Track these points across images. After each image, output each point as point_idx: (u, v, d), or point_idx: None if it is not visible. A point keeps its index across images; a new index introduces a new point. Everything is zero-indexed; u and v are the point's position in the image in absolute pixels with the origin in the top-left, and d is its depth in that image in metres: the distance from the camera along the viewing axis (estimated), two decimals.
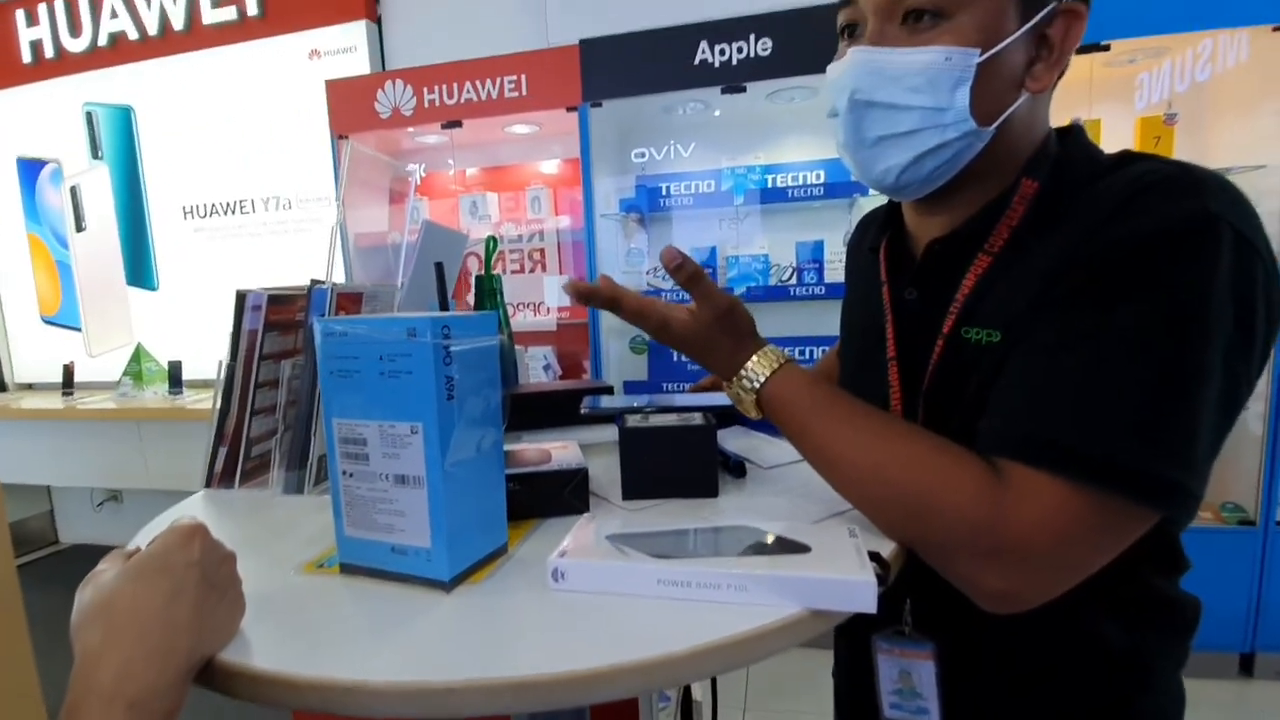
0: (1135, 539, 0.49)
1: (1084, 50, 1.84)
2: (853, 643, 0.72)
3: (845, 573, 0.45)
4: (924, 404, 0.60)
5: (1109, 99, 2.07)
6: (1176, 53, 1.96)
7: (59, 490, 3.75)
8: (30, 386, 3.69)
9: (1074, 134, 0.60)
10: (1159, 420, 0.45)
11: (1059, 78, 0.58)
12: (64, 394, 3.27)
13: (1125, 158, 0.54)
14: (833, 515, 0.60)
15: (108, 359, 3.44)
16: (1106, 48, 1.84)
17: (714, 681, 0.90)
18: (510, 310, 1.71)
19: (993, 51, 0.53)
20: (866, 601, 0.45)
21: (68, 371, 3.31)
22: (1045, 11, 0.54)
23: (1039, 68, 0.55)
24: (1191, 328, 0.45)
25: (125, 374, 3.15)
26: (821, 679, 0.85)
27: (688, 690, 1.14)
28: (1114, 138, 2.01)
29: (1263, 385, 1.86)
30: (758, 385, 0.60)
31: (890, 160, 0.58)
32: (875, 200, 2.29)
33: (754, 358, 0.61)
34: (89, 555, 3.57)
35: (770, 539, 0.52)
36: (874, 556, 0.48)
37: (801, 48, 2.12)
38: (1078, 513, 0.46)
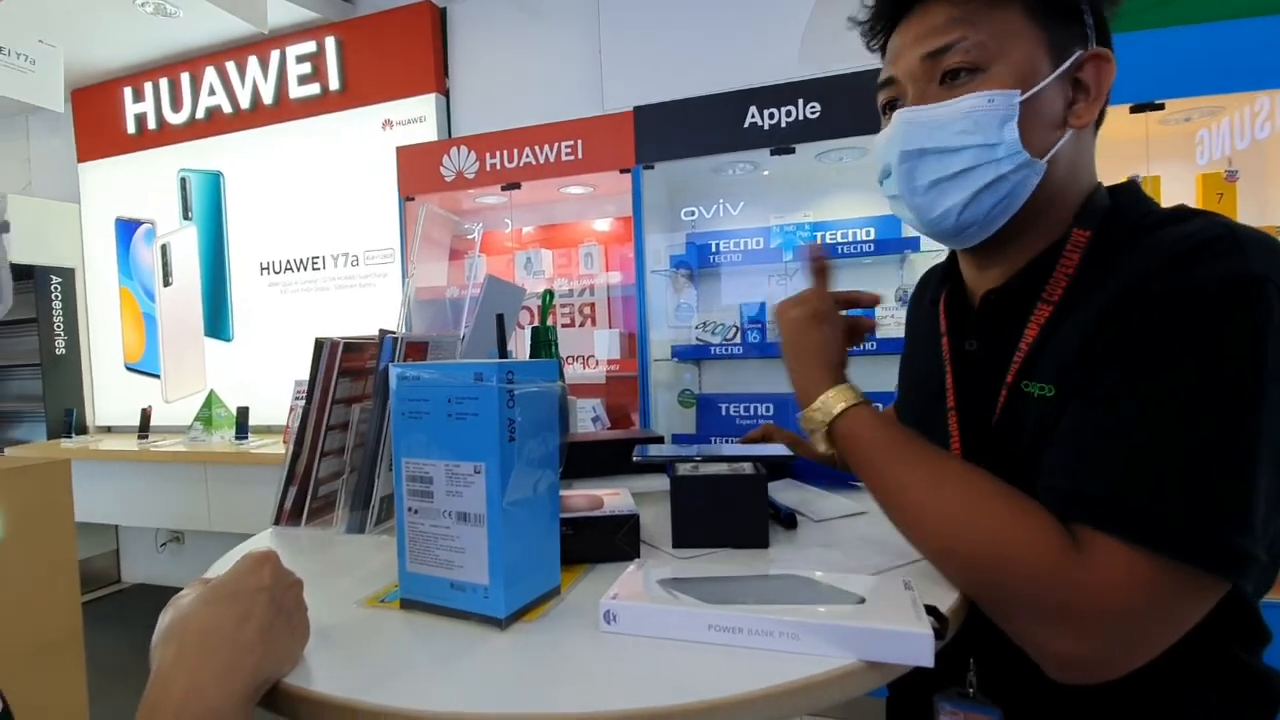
0: (1207, 609, 0.47)
1: (1138, 109, 1.84)
2: (909, 700, 0.70)
3: (901, 624, 0.45)
4: (990, 455, 0.59)
5: (1168, 156, 2.05)
6: (1234, 111, 1.93)
7: (125, 530, 3.92)
8: (109, 429, 3.92)
9: (1128, 187, 0.61)
10: (1219, 485, 0.44)
11: (1100, 120, 0.60)
12: (140, 437, 3.45)
13: (1179, 213, 0.55)
14: (888, 568, 0.59)
15: (182, 405, 3.64)
16: (1161, 106, 1.83)
17: None
18: (562, 362, 1.75)
19: (1032, 91, 0.56)
20: (923, 655, 0.44)
21: (145, 416, 3.50)
22: (1075, 58, 0.57)
23: (1079, 106, 0.59)
24: (1243, 388, 0.45)
25: (196, 419, 3.32)
26: None
27: None
28: (1175, 195, 1.97)
29: None
30: (832, 415, 0.60)
31: (948, 201, 0.59)
32: (927, 256, 2.28)
33: (832, 390, 0.61)
34: (150, 595, 3.70)
35: (823, 589, 0.52)
36: (931, 610, 0.47)
37: (850, 110, 2.17)
38: (1146, 579, 0.45)
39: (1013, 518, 0.50)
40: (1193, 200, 1.91)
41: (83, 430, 3.79)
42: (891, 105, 0.63)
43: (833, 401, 0.61)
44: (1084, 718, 0.56)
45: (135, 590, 3.84)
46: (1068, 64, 0.57)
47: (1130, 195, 0.60)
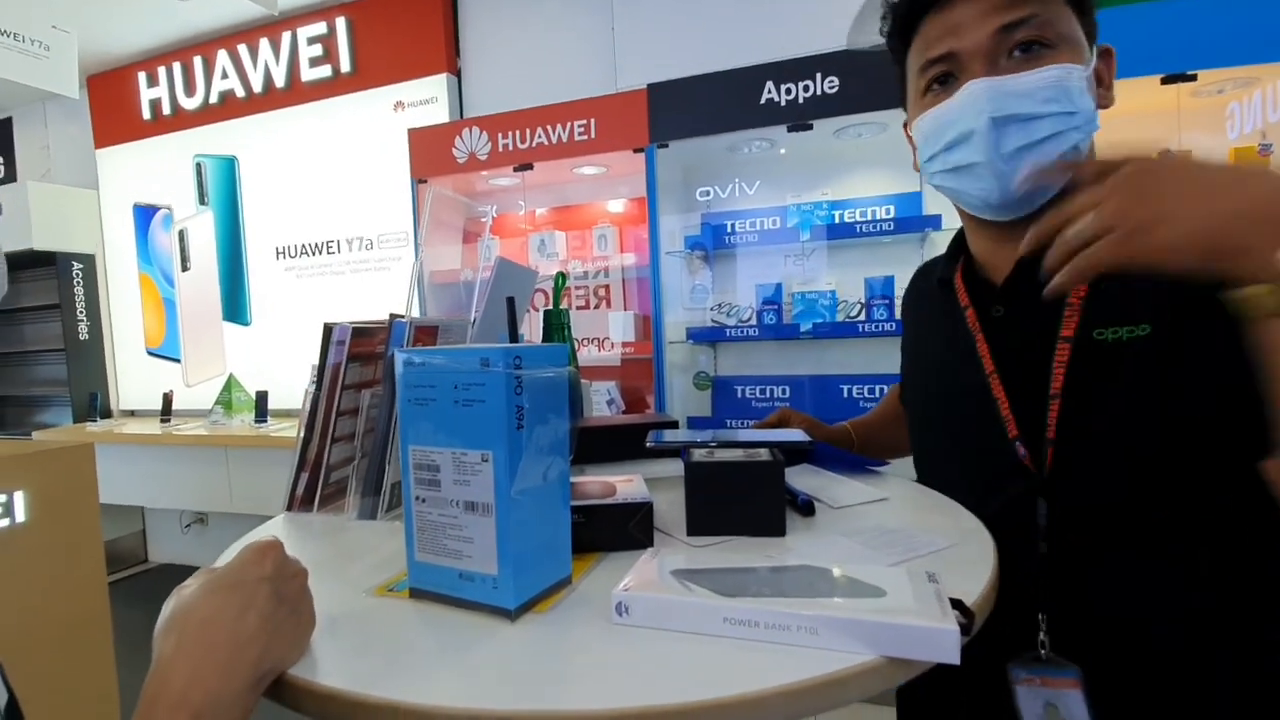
0: None
1: (1170, 80, 1.77)
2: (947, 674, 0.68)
3: (925, 620, 0.43)
4: (1060, 405, 0.60)
5: (1199, 129, 1.98)
6: (1267, 82, 1.86)
7: (151, 511, 4.00)
8: (133, 413, 3.98)
9: None
10: None
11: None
12: (162, 420, 3.50)
13: None
14: (909, 559, 0.57)
15: (203, 388, 3.69)
16: (1193, 78, 1.76)
17: None
18: (576, 345, 1.74)
19: (1090, 69, 0.62)
20: (948, 652, 0.42)
21: (166, 399, 3.55)
22: (1097, 49, 0.65)
23: (1101, 91, 0.65)
24: None
25: (217, 402, 3.36)
26: None
27: None
28: None
29: None
30: None
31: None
32: (948, 235, 2.23)
33: None
34: (176, 574, 3.77)
35: (842, 581, 0.50)
36: (956, 604, 0.45)
37: (869, 84, 2.12)
38: None
39: None
40: None
41: (107, 414, 3.86)
42: (941, 80, 0.65)
43: None
44: (1167, 676, 0.55)
45: (162, 570, 3.93)
46: (1096, 51, 0.63)
47: None
